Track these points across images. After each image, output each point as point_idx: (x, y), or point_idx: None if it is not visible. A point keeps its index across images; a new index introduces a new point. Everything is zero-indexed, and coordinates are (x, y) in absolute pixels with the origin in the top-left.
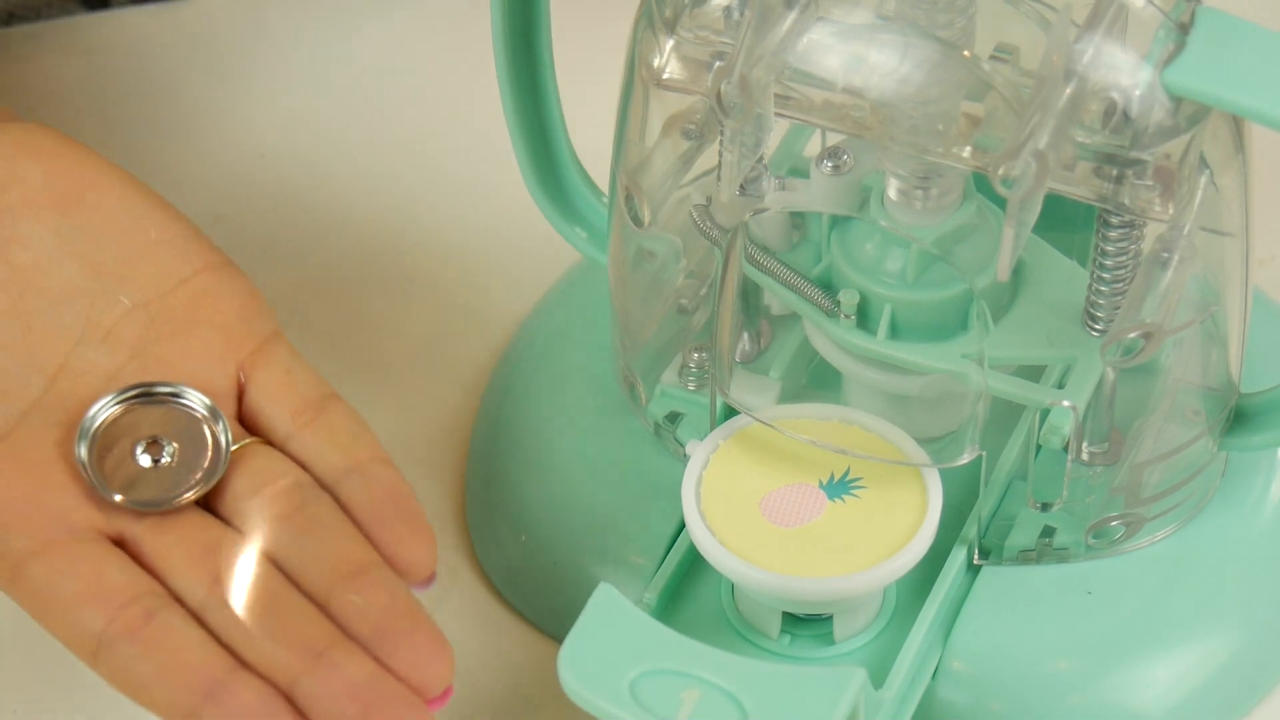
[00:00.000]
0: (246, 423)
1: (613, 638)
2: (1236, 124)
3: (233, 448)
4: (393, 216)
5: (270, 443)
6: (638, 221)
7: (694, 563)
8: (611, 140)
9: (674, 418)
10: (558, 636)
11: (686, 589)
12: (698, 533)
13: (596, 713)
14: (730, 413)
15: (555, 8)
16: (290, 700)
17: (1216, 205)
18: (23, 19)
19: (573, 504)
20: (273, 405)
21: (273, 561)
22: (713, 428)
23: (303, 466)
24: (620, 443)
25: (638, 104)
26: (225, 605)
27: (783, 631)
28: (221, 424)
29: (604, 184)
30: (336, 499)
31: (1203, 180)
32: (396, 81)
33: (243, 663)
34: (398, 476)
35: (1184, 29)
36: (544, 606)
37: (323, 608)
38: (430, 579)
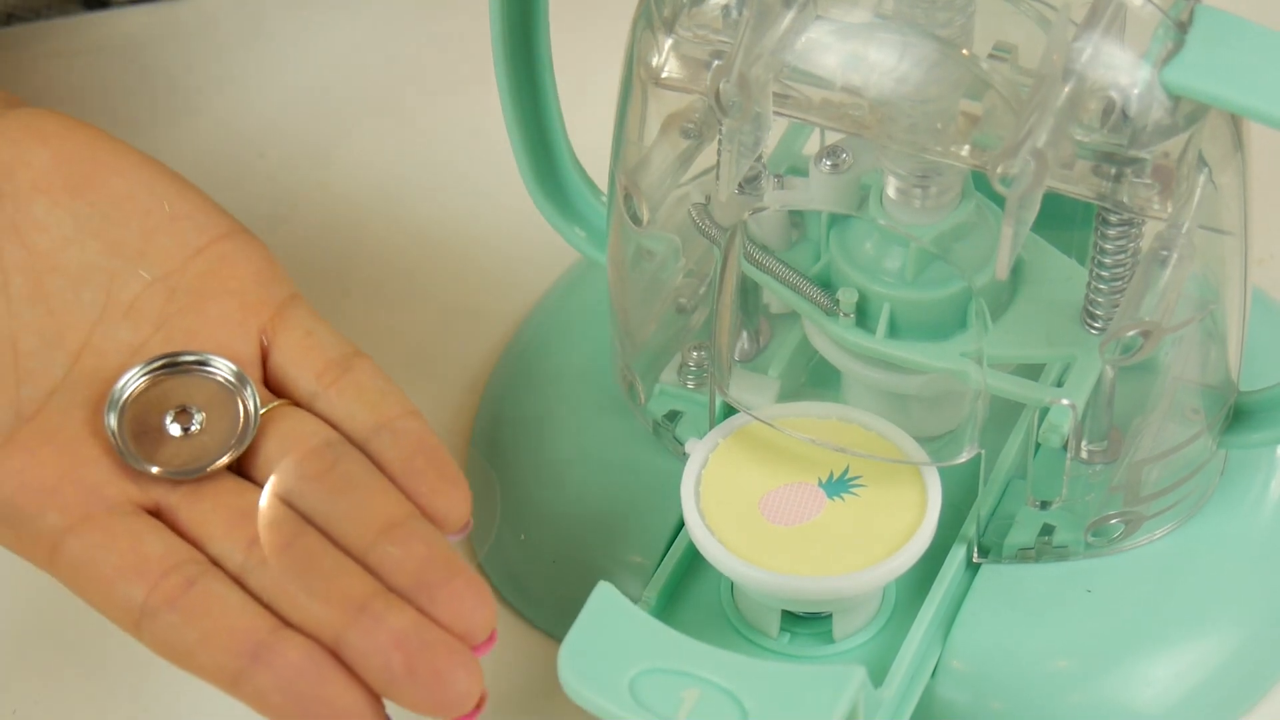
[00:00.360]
0: (272, 386)
1: (612, 636)
2: (1235, 122)
3: (261, 411)
4: (392, 216)
5: (298, 404)
6: (636, 220)
7: (693, 561)
8: (610, 140)
9: (673, 416)
10: (557, 635)
11: (686, 588)
12: (697, 531)
13: (597, 711)
14: (729, 411)
15: (554, 7)
16: (336, 655)
17: (1215, 203)
18: (22, 19)
19: (572, 503)
20: (297, 367)
21: (308, 521)
22: (712, 426)
23: (332, 426)
24: (619, 442)
25: (636, 103)
26: (264, 567)
27: (782, 630)
28: (249, 389)
29: (603, 183)
30: (367, 455)
31: (1201, 178)
32: (396, 81)
33: (286, 623)
34: (426, 429)
35: (1182, 28)
36: (543, 605)
37: (361, 563)
38: (466, 527)
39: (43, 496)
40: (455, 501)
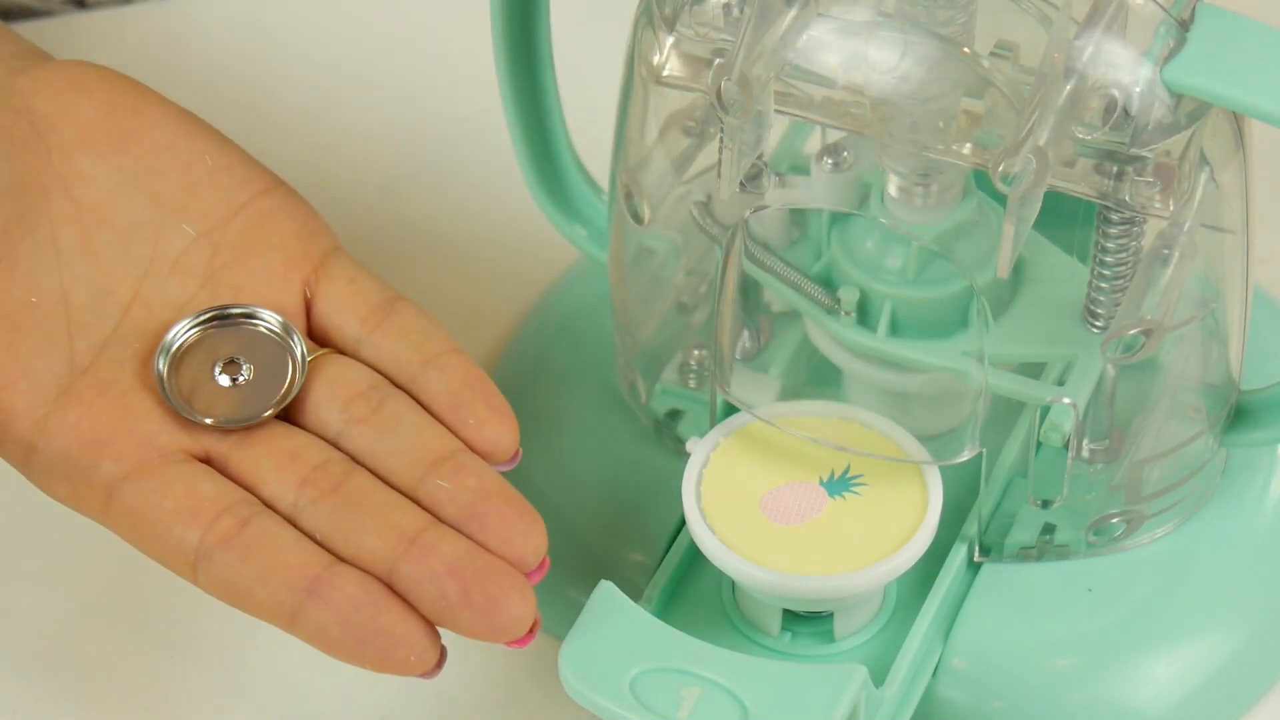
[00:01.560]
0: (317, 336)
1: (613, 636)
2: (1237, 120)
3: (308, 359)
4: (392, 216)
5: (343, 352)
6: (638, 219)
7: (694, 560)
8: (611, 138)
9: (674, 415)
10: (558, 634)
11: (687, 587)
12: (698, 530)
13: (598, 711)
14: (730, 410)
15: (555, 6)
16: (390, 587)
17: (1217, 202)
18: (14, 15)
19: (573, 502)
20: (341, 315)
21: (358, 461)
22: (713, 425)
23: (378, 370)
24: (620, 440)
25: (637, 102)
26: (316, 505)
27: (783, 629)
28: (296, 337)
29: (604, 182)
30: (415, 395)
31: (1203, 177)
32: (395, 80)
33: (339, 558)
34: (470, 363)
35: (1184, 26)
36: (544, 604)
37: (412, 498)
38: (515, 457)
39: (98, 447)
40: (503, 431)
